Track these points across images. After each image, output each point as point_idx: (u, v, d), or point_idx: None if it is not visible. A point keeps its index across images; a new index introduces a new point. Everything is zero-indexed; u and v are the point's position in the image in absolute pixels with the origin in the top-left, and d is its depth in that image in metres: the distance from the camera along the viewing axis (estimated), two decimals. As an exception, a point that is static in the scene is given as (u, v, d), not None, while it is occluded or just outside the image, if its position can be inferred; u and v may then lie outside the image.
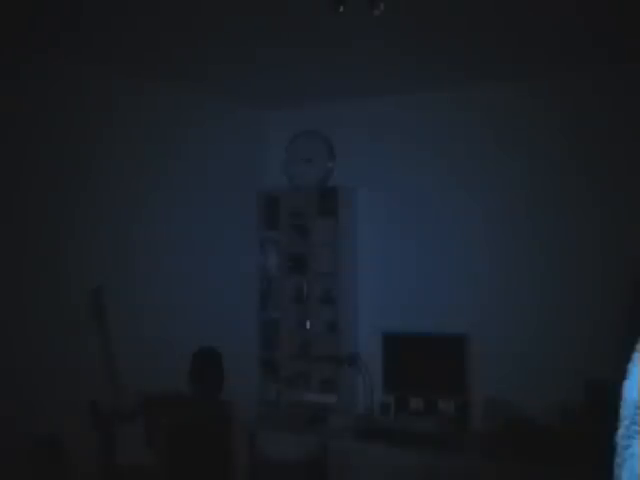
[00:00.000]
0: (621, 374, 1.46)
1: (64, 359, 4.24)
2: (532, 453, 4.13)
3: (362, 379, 5.10)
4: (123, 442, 4.02)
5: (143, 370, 4.34)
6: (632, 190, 4.46)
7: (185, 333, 4.85)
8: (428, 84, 5.00)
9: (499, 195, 4.95)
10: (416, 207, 5.27)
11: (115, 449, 4.01)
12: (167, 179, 5.00)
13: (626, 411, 1.41)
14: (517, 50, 4.26)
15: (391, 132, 5.37)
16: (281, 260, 5.59)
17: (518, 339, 4.79)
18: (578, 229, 4.66)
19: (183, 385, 4.46)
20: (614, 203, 4.55)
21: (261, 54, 4.33)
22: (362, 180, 5.46)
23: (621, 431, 1.41)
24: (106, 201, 4.59)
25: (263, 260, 5.66)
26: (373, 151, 5.44)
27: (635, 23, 3.72)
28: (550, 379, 4.58)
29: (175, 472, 4.02)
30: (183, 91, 5.07)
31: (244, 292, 5.54)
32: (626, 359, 1.45)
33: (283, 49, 4.25)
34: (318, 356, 5.40)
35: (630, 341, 1.46)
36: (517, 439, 4.24)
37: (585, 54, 4.34)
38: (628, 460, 1.38)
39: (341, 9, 2.67)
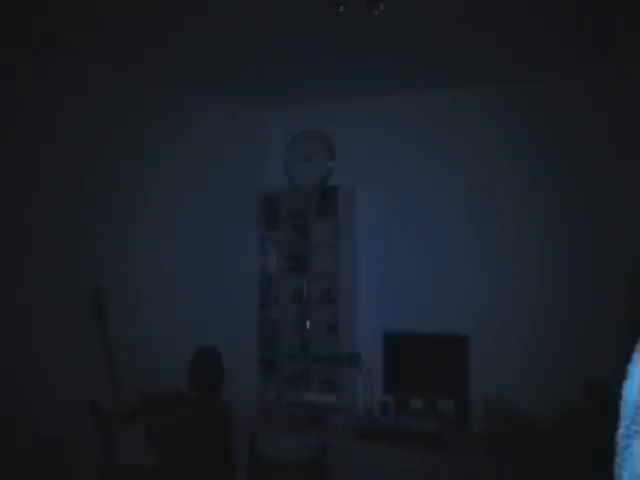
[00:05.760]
0: (621, 374, 1.46)
1: (64, 359, 4.24)
2: (532, 453, 4.12)
3: (362, 379, 5.09)
4: (123, 442, 4.02)
5: (143, 370, 4.35)
6: (632, 190, 4.46)
7: (185, 333, 4.86)
8: (428, 84, 5.01)
9: (499, 195, 4.95)
10: (416, 207, 5.27)
11: (115, 449, 4.01)
12: (167, 179, 5.00)
13: (626, 411, 1.41)
14: (517, 50, 4.26)
15: (391, 132, 5.37)
16: (281, 260, 5.59)
17: (518, 339, 4.80)
18: (578, 229, 4.66)
19: (183, 385, 4.47)
20: (614, 203, 4.55)
21: (261, 54, 4.33)
22: (362, 180, 5.46)
23: (621, 431, 1.41)
24: (106, 201, 4.59)
25: (263, 260, 5.66)
26: (373, 151, 5.44)
27: (634, 23, 3.72)
28: (550, 379, 4.58)
29: (175, 472, 4.03)
30: (183, 91, 5.07)
31: (244, 292, 5.54)
32: (626, 359, 1.45)
33: (283, 49, 4.25)
34: (318, 356, 5.40)
35: (630, 341, 1.46)
36: (517, 439, 4.23)
37: (584, 54, 4.34)
38: (628, 460, 1.38)
39: (341, 9, 2.67)
